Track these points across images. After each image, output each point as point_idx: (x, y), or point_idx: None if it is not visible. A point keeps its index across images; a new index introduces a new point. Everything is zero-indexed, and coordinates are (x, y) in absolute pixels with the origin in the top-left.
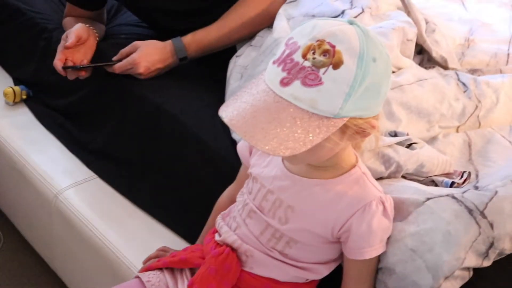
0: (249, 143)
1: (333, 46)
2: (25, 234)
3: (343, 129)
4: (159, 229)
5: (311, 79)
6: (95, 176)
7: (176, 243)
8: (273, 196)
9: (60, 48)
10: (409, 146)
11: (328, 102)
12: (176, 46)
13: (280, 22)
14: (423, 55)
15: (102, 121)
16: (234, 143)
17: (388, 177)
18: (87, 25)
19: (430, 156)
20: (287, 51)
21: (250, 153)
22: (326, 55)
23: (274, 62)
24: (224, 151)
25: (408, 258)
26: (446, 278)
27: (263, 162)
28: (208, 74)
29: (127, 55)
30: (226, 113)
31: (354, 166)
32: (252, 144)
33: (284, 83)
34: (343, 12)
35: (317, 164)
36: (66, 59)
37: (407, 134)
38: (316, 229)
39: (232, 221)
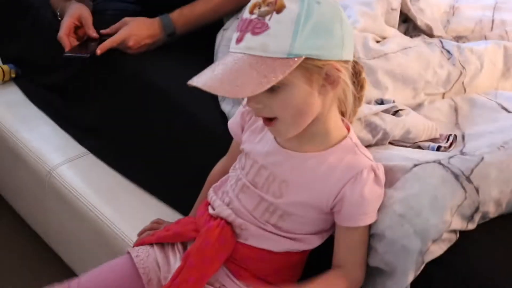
0: (215, 93)
1: (272, 2)
2: (20, 211)
3: (306, 74)
4: (152, 202)
5: (258, 27)
6: (88, 152)
7: (170, 215)
8: (267, 172)
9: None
10: (395, 113)
11: (278, 42)
12: (164, 22)
13: None
14: (408, 24)
15: (93, 97)
16: (224, 115)
17: (376, 144)
18: (82, 4)
19: (416, 122)
20: (240, 17)
21: (242, 129)
22: (269, 5)
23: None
24: (214, 123)
25: (396, 224)
26: (434, 241)
27: (255, 138)
28: (196, 48)
29: (117, 30)
30: (197, 80)
31: (345, 137)
32: (215, 92)
33: (238, 40)
34: None
35: (307, 135)
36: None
37: (393, 101)
38: (311, 201)
39: (225, 196)
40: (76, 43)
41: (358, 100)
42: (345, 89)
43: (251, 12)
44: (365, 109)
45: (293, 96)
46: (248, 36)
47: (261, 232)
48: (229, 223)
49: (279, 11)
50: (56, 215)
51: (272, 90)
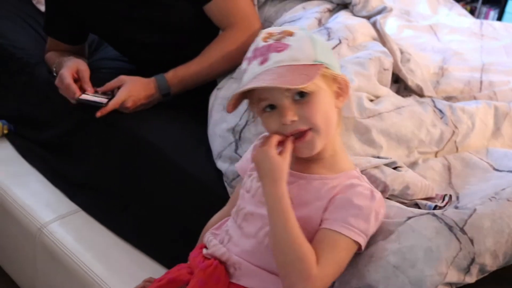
0: (274, 85)
1: (280, 30)
2: (7, 269)
3: (326, 81)
4: (144, 260)
5: (279, 46)
6: (79, 209)
7: (162, 273)
8: None
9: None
10: (394, 169)
11: (304, 53)
12: (159, 83)
13: None
14: (399, 84)
15: (84, 153)
16: (218, 172)
17: None
18: (79, 59)
19: (415, 179)
20: (250, 53)
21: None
22: (280, 34)
23: (245, 70)
24: (208, 181)
25: (391, 275)
26: None
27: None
28: (190, 105)
29: (113, 88)
30: (243, 86)
31: (352, 169)
32: (278, 84)
33: (263, 62)
34: None
35: (316, 156)
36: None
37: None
38: (311, 216)
39: (224, 234)
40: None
41: None
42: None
43: (265, 40)
44: (363, 162)
45: (322, 100)
46: (274, 54)
47: (253, 270)
48: (222, 263)
49: (291, 34)
50: (46, 272)
51: (302, 98)
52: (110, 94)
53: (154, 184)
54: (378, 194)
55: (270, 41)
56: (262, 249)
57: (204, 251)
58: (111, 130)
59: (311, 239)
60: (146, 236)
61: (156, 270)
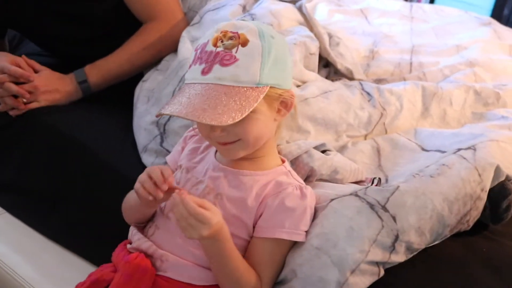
0: (195, 121)
1: (236, 32)
2: None
3: (268, 101)
4: (75, 261)
5: (227, 59)
6: (3, 211)
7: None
8: (203, 185)
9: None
10: (323, 153)
11: (248, 73)
12: (76, 73)
13: (184, 45)
14: (329, 68)
15: (8, 153)
16: (144, 167)
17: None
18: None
19: (344, 163)
20: (199, 50)
21: (182, 150)
22: (233, 39)
23: (190, 66)
24: (135, 176)
25: (313, 257)
26: (353, 271)
27: (195, 157)
28: (115, 100)
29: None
30: (165, 110)
31: (279, 165)
32: (199, 120)
33: (205, 71)
34: None
35: (248, 156)
36: None
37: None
38: (242, 216)
39: (150, 227)
40: None
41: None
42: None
43: (215, 45)
44: (293, 149)
45: (258, 121)
46: (217, 67)
47: (180, 262)
48: (148, 256)
49: (244, 44)
50: None
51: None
52: None
53: (81, 182)
54: (308, 190)
55: (220, 48)
56: (190, 241)
57: (129, 246)
58: (35, 129)
59: (242, 245)
60: (75, 236)
61: (87, 270)
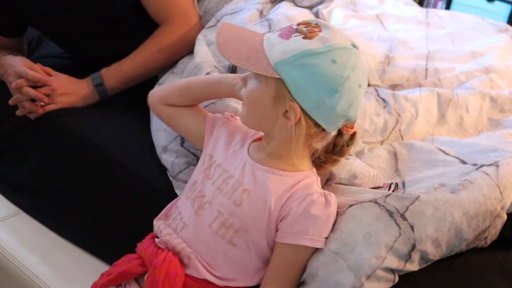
0: (226, 54)
1: (320, 30)
2: None
3: (275, 95)
4: (88, 259)
5: (286, 33)
6: (20, 210)
7: None
8: (233, 180)
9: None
10: None
11: (277, 52)
12: (92, 76)
13: (201, 47)
14: None
15: (24, 154)
16: (160, 168)
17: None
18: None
19: (363, 169)
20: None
21: (212, 129)
22: (308, 28)
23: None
24: (150, 177)
25: (330, 261)
26: (368, 277)
27: (228, 150)
28: (130, 103)
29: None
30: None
31: (309, 170)
32: (227, 55)
33: (278, 30)
34: None
35: (275, 153)
36: None
37: None
38: (266, 213)
39: (179, 222)
40: None
41: (334, 160)
42: (311, 141)
43: (298, 24)
44: None
45: (257, 90)
46: (276, 33)
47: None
48: (176, 253)
49: (305, 38)
50: None
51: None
52: None
53: (96, 182)
54: (332, 197)
55: (295, 26)
56: (218, 240)
57: (157, 240)
58: (51, 130)
59: (263, 245)
60: (90, 236)
61: (101, 269)
